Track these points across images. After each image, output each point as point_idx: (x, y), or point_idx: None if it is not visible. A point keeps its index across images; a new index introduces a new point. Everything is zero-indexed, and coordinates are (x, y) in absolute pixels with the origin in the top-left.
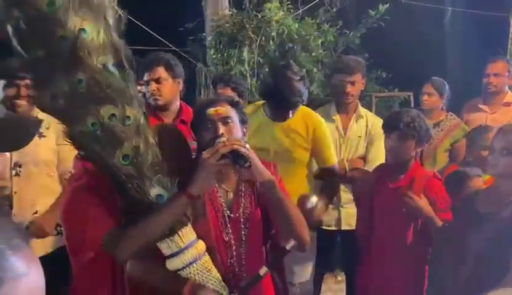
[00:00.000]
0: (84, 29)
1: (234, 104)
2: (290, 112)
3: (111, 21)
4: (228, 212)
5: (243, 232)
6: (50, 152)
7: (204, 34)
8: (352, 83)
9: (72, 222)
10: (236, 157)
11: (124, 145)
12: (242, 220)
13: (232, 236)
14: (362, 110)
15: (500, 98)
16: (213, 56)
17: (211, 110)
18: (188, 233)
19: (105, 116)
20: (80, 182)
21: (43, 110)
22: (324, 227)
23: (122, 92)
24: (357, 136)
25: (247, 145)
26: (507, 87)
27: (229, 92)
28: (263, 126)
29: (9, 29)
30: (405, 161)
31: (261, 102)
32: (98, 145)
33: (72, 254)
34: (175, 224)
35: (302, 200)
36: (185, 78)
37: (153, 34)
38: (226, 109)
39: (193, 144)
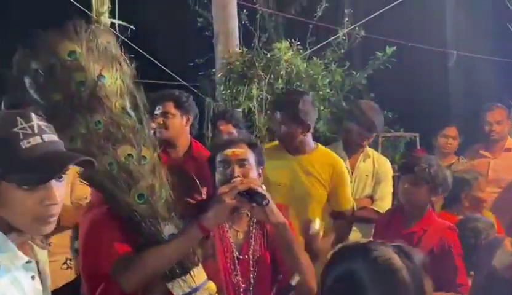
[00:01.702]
0: (103, 76)
1: (252, 146)
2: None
3: (125, 68)
4: (237, 253)
5: (251, 275)
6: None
7: (214, 70)
8: (369, 139)
9: (89, 247)
10: (253, 195)
11: (140, 184)
12: (251, 262)
13: (240, 278)
14: (369, 149)
15: (501, 145)
16: (223, 92)
17: (228, 151)
18: (199, 273)
19: (122, 156)
20: (99, 209)
21: None
22: None
23: (139, 133)
24: (364, 175)
25: (263, 186)
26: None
27: (230, 129)
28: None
29: (27, 81)
30: (418, 207)
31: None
32: (114, 184)
33: (86, 280)
34: (187, 264)
35: (306, 224)
36: (197, 115)
37: (164, 68)
38: (243, 151)
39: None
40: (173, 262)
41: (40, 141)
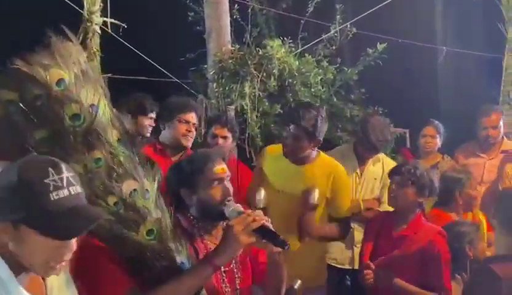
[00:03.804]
0: (95, 105)
1: (224, 160)
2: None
3: (106, 91)
4: (223, 266)
5: (237, 281)
6: None
7: (205, 66)
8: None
9: (89, 279)
10: (267, 234)
11: (147, 220)
12: (235, 270)
13: (229, 289)
14: (380, 153)
15: (497, 146)
16: (215, 90)
17: (218, 169)
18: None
19: (127, 192)
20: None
21: None
22: (336, 265)
23: (136, 165)
24: (373, 178)
25: (270, 220)
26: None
27: (225, 132)
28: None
29: (10, 111)
30: (406, 209)
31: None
32: (120, 226)
33: None
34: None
35: (306, 194)
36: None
37: (155, 65)
38: (226, 167)
39: None
40: None
41: (68, 193)
